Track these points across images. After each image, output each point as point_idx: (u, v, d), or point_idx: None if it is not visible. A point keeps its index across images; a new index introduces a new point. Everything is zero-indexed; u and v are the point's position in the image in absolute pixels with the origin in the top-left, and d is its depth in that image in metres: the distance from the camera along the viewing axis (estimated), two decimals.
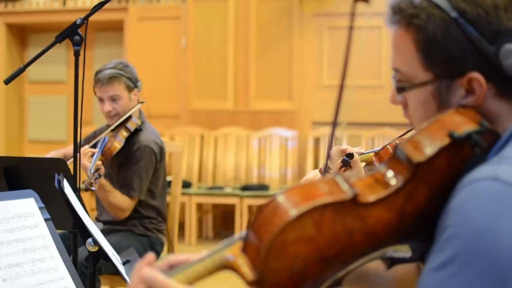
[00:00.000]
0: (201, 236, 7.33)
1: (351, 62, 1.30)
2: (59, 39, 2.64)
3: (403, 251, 1.21)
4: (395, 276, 1.47)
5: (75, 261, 2.70)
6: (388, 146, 2.18)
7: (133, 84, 3.64)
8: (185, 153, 7.51)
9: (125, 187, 3.56)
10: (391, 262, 1.27)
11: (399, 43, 1.25)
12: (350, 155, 2.25)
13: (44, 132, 8.89)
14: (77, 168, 2.71)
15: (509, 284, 1.02)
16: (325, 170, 1.42)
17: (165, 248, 3.79)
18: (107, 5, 2.81)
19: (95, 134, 3.83)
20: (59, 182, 2.25)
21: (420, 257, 1.20)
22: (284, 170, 7.34)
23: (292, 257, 1.07)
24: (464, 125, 1.15)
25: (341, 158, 2.25)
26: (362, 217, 1.10)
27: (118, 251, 2.55)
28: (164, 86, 7.92)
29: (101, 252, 2.31)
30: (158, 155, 3.64)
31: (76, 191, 2.59)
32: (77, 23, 2.63)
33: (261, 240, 1.08)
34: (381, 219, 1.12)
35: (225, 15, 7.66)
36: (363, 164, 2.27)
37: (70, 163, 2.97)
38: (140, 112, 3.75)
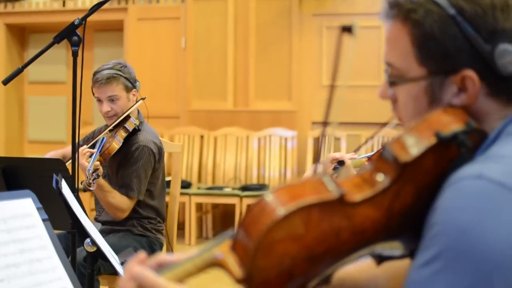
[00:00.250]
0: (200, 236, 7.33)
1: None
2: (57, 40, 2.64)
3: (396, 248, 1.22)
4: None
5: (73, 261, 2.70)
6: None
7: (131, 84, 3.64)
8: (185, 153, 7.51)
9: (123, 187, 3.56)
10: (381, 259, 1.27)
11: (394, 37, 1.26)
12: (341, 162, 2.26)
13: (44, 133, 8.89)
14: (75, 168, 2.72)
15: (494, 281, 1.03)
16: (316, 171, 1.43)
17: (164, 248, 3.79)
18: (106, 6, 2.82)
19: (93, 135, 3.83)
20: (57, 183, 2.25)
21: (410, 254, 1.20)
22: (284, 170, 7.34)
23: (280, 255, 1.08)
24: (450, 125, 1.16)
25: (333, 166, 2.26)
26: (349, 216, 1.12)
27: (117, 251, 2.55)
28: (164, 86, 7.92)
29: (99, 252, 2.31)
30: (157, 155, 3.63)
31: (75, 191, 2.60)
32: (75, 23, 2.63)
33: (249, 239, 1.09)
34: (368, 218, 1.13)
35: (225, 15, 7.66)
36: (357, 169, 2.28)
37: (69, 164, 2.97)
38: (138, 112, 3.75)
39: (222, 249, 1.13)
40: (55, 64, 8.76)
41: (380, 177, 1.15)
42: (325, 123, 1.30)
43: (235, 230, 1.14)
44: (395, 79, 1.26)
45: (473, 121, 1.18)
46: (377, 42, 7.11)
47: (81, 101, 2.68)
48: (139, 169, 3.57)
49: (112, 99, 3.59)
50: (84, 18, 2.66)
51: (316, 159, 1.32)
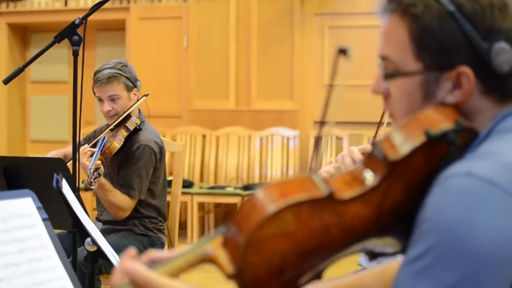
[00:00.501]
0: (202, 236, 7.33)
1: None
2: (57, 39, 2.64)
3: (391, 244, 1.23)
4: None
5: (74, 261, 2.70)
6: None
7: (132, 83, 3.64)
8: (187, 153, 7.51)
9: (125, 187, 3.56)
10: (373, 255, 1.28)
11: (392, 31, 1.26)
12: None
13: (46, 132, 8.90)
14: (76, 167, 2.72)
15: (482, 278, 1.04)
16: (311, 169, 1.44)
17: (166, 247, 3.79)
18: (109, 5, 2.83)
19: (95, 134, 3.83)
20: (57, 182, 2.26)
21: (403, 250, 1.21)
22: (286, 169, 7.34)
23: (271, 252, 1.10)
24: (440, 123, 1.16)
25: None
26: (339, 214, 1.13)
27: (119, 250, 2.55)
28: (166, 85, 7.92)
29: (99, 252, 2.31)
30: (158, 154, 3.63)
31: (75, 190, 2.60)
32: (76, 23, 2.63)
33: (240, 235, 1.11)
34: (358, 216, 1.14)
35: (227, 14, 7.66)
36: None
37: (70, 164, 2.97)
38: (139, 111, 3.75)
39: (213, 245, 1.15)
40: (57, 63, 8.76)
41: (369, 175, 1.16)
42: (321, 125, 1.30)
43: (227, 226, 1.15)
44: (390, 73, 1.27)
45: (463, 120, 1.18)
46: (378, 41, 7.09)
47: (81, 100, 2.68)
48: (140, 168, 3.57)
49: (113, 99, 3.59)
50: (84, 18, 2.66)
51: (312, 157, 1.33)
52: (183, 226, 7.04)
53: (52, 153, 3.82)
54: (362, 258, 2.59)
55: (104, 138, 3.46)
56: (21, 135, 9.00)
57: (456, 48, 1.19)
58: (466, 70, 1.19)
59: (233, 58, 7.66)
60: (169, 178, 3.99)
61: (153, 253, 1.20)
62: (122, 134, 3.54)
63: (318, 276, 1.20)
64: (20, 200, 1.77)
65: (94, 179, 3.23)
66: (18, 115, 8.94)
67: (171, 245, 3.82)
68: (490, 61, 1.18)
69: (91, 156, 3.33)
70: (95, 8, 2.69)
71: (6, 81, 2.68)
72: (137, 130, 3.61)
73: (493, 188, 1.06)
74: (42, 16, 8.53)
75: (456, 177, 1.09)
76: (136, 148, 3.57)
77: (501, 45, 1.18)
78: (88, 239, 2.27)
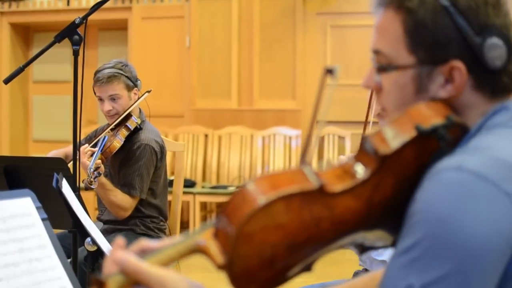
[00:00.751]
0: None
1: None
2: (58, 39, 2.64)
3: (382, 237, 1.24)
4: None
5: (75, 261, 2.70)
6: None
7: (132, 83, 3.64)
8: (189, 153, 7.52)
9: (126, 186, 3.56)
10: (363, 248, 1.29)
11: (386, 25, 1.26)
12: None
13: (49, 132, 8.90)
14: (76, 167, 2.72)
15: (470, 270, 1.05)
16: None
17: None
18: (111, 4, 2.84)
19: (96, 133, 3.83)
20: (57, 182, 2.26)
21: (393, 244, 1.23)
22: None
23: (261, 243, 1.11)
24: (431, 118, 1.17)
25: None
26: (329, 206, 1.14)
27: None
28: (168, 85, 7.92)
29: (99, 251, 2.31)
30: (159, 154, 3.64)
31: (76, 190, 2.60)
32: (76, 22, 2.63)
33: (230, 226, 1.12)
34: (348, 209, 1.15)
35: (229, 14, 7.66)
36: None
37: (71, 164, 2.98)
38: (140, 111, 3.75)
39: (205, 236, 1.15)
40: (59, 63, 8.77)
41: (360, 169, 1.17)
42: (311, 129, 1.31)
43: (218, 218, 1.16)
44: (383, 66, 1.27)
45: (454, 115, 1.19)
46: None
47: (82, 100, 2.68)
48: (141, 167, 3.57)
49: (113, 98, 3.59)
50: (85, 17, 2.66)
51: (302, 154, 1.33)
52: (185, 226, 7.05)
53: (52, 153, 3.82)
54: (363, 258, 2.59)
55: (104, 137, 3.46)
56: (24, 134, 9.00)
57: (449, 43, 1.20)
58: (458, 64, 1.20)
59: (235, 57, 7.66)
60: (170, 177, 3.99)
61: (144, 243, 1.20)
62: (123, 133, 3.54)
63: (308, 268, 1.21)
64: (20, 200, 1.77)
65: (94, 178, 3.23)
66: (21, 114, 8.94)
67: None
68: (483, 56, 1.19)
69: (92, 155, 3.33)
70: (95, 7, 2.69)
71: (6, 81, 2.68)
72: (137, 129, 3.61)
73: (482, 182, 1.08)
74: (44, 15, 8.53)
75: (446, 171, 1.10)
76: (137, 148, 3.57)
77: (494, 40, 1.19)
78: (88, 239, 2.27)
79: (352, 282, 1.59)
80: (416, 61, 1.23)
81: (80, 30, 2.74)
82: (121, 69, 3.61)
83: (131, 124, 3.57)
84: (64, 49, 8.56)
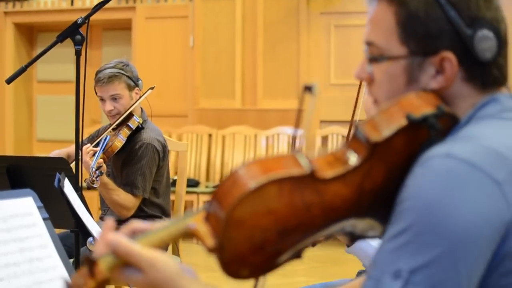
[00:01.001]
0: None
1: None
2: (59, 39, 2.65)
3: (373, 226, 1.25)
4: None
5: (77, 260, 2.71)
6: None
7: (133, 83, 3.65)
8: (193, 152, 7.52)
9: (128, 186, 3.57)
10: (353, 237, 1.30)
11: (379, 17, 1.28)
12: None
13: (53, 131, 8.91)
14: (79, 167, 2.72)
15: (458, 256, 1.07)
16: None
17: (170, 247, 3.79)
18: (115, 4, 2.84)
19: (98, 133, 3.84)
20: (59, 181, 2.26)
21: (383, 234, 1.23)
22: None
23: (251, 227, 1.12)
24: (422, 108, 1.19)
25: None
26: (320, 192, 1.15)
27: None
28: (172, 85, 7.93)
29: None
30: (161, 153, 3.64)
31: (78, 190, 2.60)
32: (78, 22, 2.63)
33: (221, 210, 1.13)
34: (339, 195, 1.16)
35: (233, 14, 7.66)
36: None
37: (74, 164, 2.99)
38: (142, 110, 3.75)
39: (196, 219, 1.17)
40: (64, 63, 8.77)
41: (352, 156, 1.19)
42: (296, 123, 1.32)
43: (209, 202, 1.17)
44: (375, 56, 1.29)
45: (444, 105, 1.21)
46: None
47: (84, 99, 2.69)
48: (143, 167, 3.57)
49: (114, 98, 3.60)
50: (87, 17, 2.66)
51: (292, 140, 1.35)
52: None
53: (55, 153, 3.83)
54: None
55: (106, 137, 3.47)
56: (28, 134, 9.01)
57: (440, 34, 1.22)
58: (449, 55, 1.21)
59: (239, 57, 7.66)
60: (174, 177, 3.99)
61: (135, 225, 1.22)
62: (124, 133, 3.55)
63: (298, 255, 1.22)
64: (21, 199, 1.77)
65: (96, 177, 3.25)
66: (25, 114, 8.96)
67: (175, 244, 3.82)
68: (473, 48, 1.21)
69: (94, 155, 3.34)
70: (98, 7, 2.69)
71: (8, 81, 2.68)
72: (139, 129, 3.62)
73: (471, 169, 1.09)
74: (48, 15, 8.55)
75: (436, 158, 1.11)
76: (139, 147, 3.58)
77: (484, 32, 1.21)
78: (90, 239, 2.27)
79: (355, 282, 1.60)
80: (408, 52, 1.25)
81: (84, 30, 2.74)
82: (122, 69, 3.62)
83: (133, 123, 3.58)
84: (69, 49, 8.54)
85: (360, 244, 2.17)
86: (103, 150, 3.37)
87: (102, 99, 3.64)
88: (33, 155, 8.18)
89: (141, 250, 1.14)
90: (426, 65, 1.24)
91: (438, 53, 1.22)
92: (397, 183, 1.16)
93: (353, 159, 1.18)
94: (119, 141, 3.52)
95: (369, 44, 1.30)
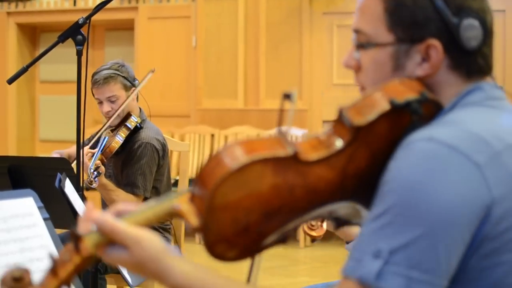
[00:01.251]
0: None
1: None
2: (61, 39, 2.65)
3: (358, 212, 1.26)
4: None
5: None
6: None
7: (130, 83, 3.65)
8: (195, 152, 7.52)
9: (129, 186, 3.57)
10: (338, 223, 1.32)
11: (367, 4, 1.31)
12: None
13: (56, 132, 8.92)
14: (80, 167, 2.72)
15: (437, 236, 1.09)
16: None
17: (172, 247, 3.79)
18: (117, 4, 2.84)
19: (98, 134, 3.84)
20: (60, 181, 2.26)
21: None
22: None
23: (235, 208, 1.13)
24: (405, 93, 1.21)
25: None
26: (303, 174, 1.16)
27: None
28: (174, 85, 7.93)
29: None
30: (161, 152, 3.64)
31: (79, 190, 2.60)
32: (80, 22, 2.63)
33: (205, 190, 1.14)
34: (322, 178, 1.18)
35: (235, 14, 7.66)
36: None
37: (74, 164, 2.99)
38: (140, 110, 3.75)
39: (181, 200, 1.18)
40: (66, 63, 8.77)
41: (336, 140, 1.20)
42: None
43: (194, 182, 1.18)
44: (362, 43, 1.31)
45: (427, 92, 1.23)
46: None
47: (85, 99, 2.69)
48: (143, 166, 3.57)
49: (111, 100, 3.60)
50: (88, 17, 2.66)
51: (278, 123, 1.35)
52: None
53: (56, 153, 3.83)
54: None
55: (104, 138, 3.47)
56: (31, 134, 9.02)
57: (427, 22, 1.24)
58: (435, 42, 1.24)
59: (241, 57, 7.66)
60: (176, 177, 3.99)
61: (120, 205, 1.23)
62: (123, 133, 3.55)
63: (283, 240, 1.23)
64: (21, 199, 1.77)
65: (94, 178, 3.25)
66: (28, 114, 8.96)
67: (177, 244, 3.82)
68: (459, 36, 1.23)
69: (92, 156, 3.35)
70: (99, 7, 2.69)
71: (10, 81, 2.69)
72: (138, 128, 3.62)
73: (452, 152, 1.12)
74: (51, 15, 8.55)
75: (418, 141, 1.14)
76: (137, 147, 3.58)
77: (470, 21, 1.24)
78: None
79: None
80: (395, 39, 1.27)
81: (86, 30, 2.75)
82: (118, 70, 3.62)
83: (131, 123, 3.58)
84: (72, 49, 8.49)
85: None
86: (101, 151, 3.38)
87: (99, 101, 3.64)
88: (35, 155, 8.20)
89: (126, 227, 1.15)
90: (412, 53, 1.26)
91: (424, 41, 1.24)
92: (381, 167, 1.18)
93: (337, 143, 1.19)
94: (117, 141, 3.52)
95: (357, 31, 1.33)
